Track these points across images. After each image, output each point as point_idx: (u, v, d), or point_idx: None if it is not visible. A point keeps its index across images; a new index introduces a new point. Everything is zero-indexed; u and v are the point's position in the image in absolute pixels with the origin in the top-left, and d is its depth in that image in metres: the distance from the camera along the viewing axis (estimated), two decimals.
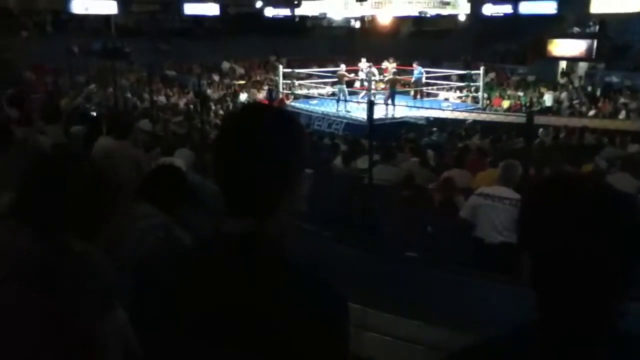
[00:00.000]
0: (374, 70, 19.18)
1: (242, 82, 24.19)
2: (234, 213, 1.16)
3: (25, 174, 1.64)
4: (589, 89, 21.49)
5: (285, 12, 26.10)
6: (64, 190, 1.57)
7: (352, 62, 20.67)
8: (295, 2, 24.11)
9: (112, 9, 24.84)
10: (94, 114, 10.24)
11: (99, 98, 17.20)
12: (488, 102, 21.17)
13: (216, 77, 25.36)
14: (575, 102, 20.26)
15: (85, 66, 18.33)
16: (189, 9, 26.11)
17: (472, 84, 21.31)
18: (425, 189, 6.64)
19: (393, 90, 18.00)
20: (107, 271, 1.58)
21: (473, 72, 21.16)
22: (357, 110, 16.50)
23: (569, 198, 0.99)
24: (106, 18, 26.87)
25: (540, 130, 13.27)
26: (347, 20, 29.63)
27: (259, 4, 25.95)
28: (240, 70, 26.43)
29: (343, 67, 18.89)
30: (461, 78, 22.60)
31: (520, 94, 22.09)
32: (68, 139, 7.26)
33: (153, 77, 17.95)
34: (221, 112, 20.16)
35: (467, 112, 18.11)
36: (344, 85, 18.31)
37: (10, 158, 3.51)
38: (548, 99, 20.77)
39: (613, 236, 0.95)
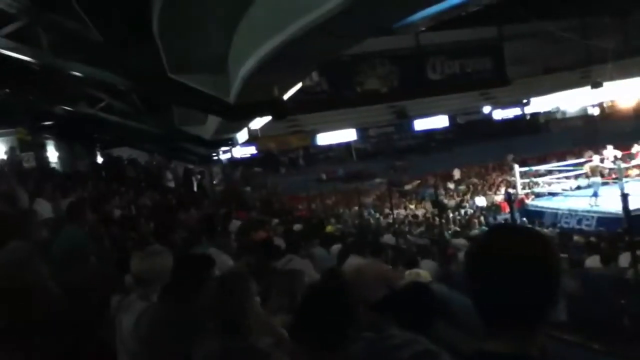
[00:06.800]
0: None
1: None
2: (491, 332, 1.19)
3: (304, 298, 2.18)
4: None
5: (515, 112, 25.77)
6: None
7: (595, 150, 19.24)
8: (524, 102, 23.77)
9: (351, 136, 27.76)
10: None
11: (346, 217, 18.75)
12: None
13: (451, 185, 25.66)
14: None
15: (333, 190, 20.39)
16: (419, 125, 27.51)
17: None
18: None
19: None
20: None
21: None
22: (607, 202, 14.95)
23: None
24: (347, 146, 30.07)
25: None
26: (584, 108, 27.97)
27: (486, 109, 26.10)
28: (473, 177, 26.45)
29: (596, 158, 17.86)
30: None
31: None
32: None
33: (392, 193, 18.97)
34: (459, 218, 20.14)
35: None
36: (599, 178, 16.96)
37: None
38: None
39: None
